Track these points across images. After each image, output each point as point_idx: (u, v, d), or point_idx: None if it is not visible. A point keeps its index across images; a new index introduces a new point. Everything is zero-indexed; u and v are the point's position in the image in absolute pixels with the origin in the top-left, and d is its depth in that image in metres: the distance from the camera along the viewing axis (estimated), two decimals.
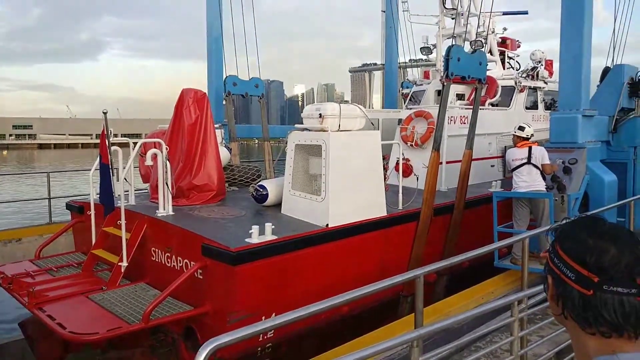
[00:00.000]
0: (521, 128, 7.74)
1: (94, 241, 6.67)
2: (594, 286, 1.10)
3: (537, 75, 11.69)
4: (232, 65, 11.69)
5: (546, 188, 7.50)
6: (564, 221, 1.26)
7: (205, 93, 7.41)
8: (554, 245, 1.20)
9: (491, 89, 10.68)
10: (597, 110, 8.71)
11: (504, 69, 12.40)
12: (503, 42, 12.92)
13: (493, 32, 12.24)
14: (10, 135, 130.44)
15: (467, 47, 11.17)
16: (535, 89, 11.68)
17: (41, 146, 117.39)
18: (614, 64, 10.79)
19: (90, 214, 6.77)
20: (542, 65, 11.93)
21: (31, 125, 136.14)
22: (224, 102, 11.09)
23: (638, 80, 9.78)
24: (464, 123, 8.94)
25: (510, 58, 13.19)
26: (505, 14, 13.68)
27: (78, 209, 7.52)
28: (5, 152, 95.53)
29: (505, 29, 13.21)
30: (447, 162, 8.48)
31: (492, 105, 10.78)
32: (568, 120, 8.27)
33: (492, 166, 9.84)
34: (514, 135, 7.82)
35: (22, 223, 13.13)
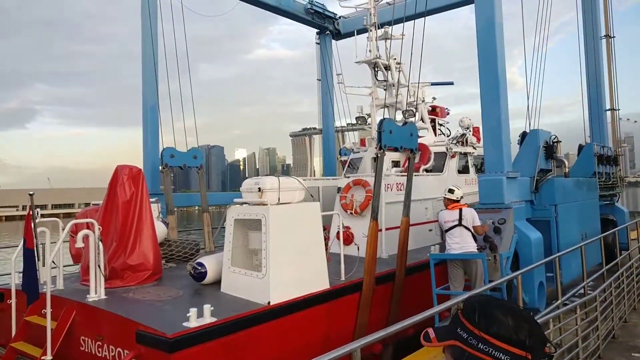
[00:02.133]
0: (451, 191, 8.07)
1: (14, 333, 6.09)
2: None
3: (467, 142, 12.49)
4: (167, 130, 11.58)
5: (478, 248, 7.80)
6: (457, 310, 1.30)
7: (140, 169, 7.27)
8: (471, 332, 1.21)
9: (424, 155, 11.26)
10: (519, 172, 9.35)
11: (435, 135, 13.18)
12: (433, 110, 13.81)
13: (423, 101, 13.10)
14: None
15: (399, 116, 11.85)
16: (465, 154, 12.43)
17: None
18: (531, 127, 11.77)
19: (11, 303, 6.23)
20: (470, 131, 12.78)
21: None
22: (161, 173, 10.87)
23: (552, 143, 10.68)
24: (400, 190, 9.27)
25: (440, 125, 14.06)
26: (433, 84, 14.71)
27: None
28: None
29: (434, 98, 14.16)
30: (387, 229, 8.67)
31: (427, 171, 11.32)
32: (494, 182, 8.80)
33: (430, 230, 10.17)
34: (444, 197, 8.15)
35: None
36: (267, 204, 6.06)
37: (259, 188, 6.18)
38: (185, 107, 11.68)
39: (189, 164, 10.64)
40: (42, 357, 5.43)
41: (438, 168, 11.54)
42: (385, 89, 12.68)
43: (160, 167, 10.61)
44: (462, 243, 7.63)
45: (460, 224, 7.72)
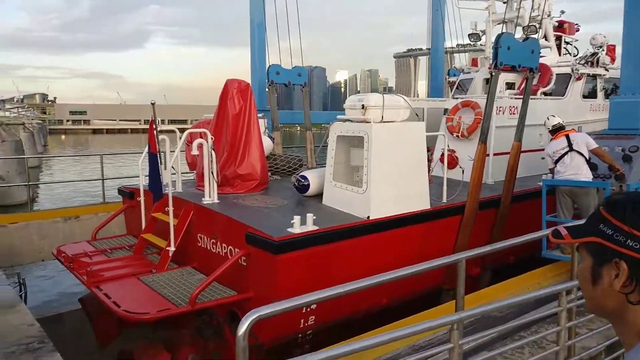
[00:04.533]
0: (545, 123, 7.59)
1: (143, 226, 6.95)
2: None
3: (597, 62, 11.05)
4: (274, 50, 11.78)
5: (601, 177, 7.14)
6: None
7: (248, 84, 7.50)
8: (619, 228, 1.13)
9: (544, 77, 10.24)
10: None
11: (559, 55, 11.84)
12: (560, 26, 12.28)
13: (549, 15, 11.67)
14: (68, 120, 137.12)
15: (519, 33, 10.75)
16: (594, 76, 11.08)
17: (95, 131, 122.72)
18: None
19: (140, 200, 7.05)
20: (603, 50, 11.27)
21: (86, 112, 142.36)
22: (267, 90, 11.22)
23: None
24: (514, 113, 8.64)
25: (567, 43, 12.53)
26: None
27: (129, 194, 7.85)
28: (63, 137, 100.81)
29: (562, 12, 12.56)
30: (495, 154, 8.25)
31: (545, 94, 10.34)
32: (629, 105, 7.82)
33: (543, 158, 9.48)
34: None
35: (80, 202, 13.96)
36: (370, 122, 6.00)
37: (363, 105, 6.11)
38: (289, 26, 11.67)
39: (294, 82, 10.78)
40: (167, 248, 6.19)
41: (559, 91, 10.47)
42: (505, 2, 11.44)
43: (266, 85, 10.89)
44: (575, 170, 7.01)
45: (572, 150, 7.06)
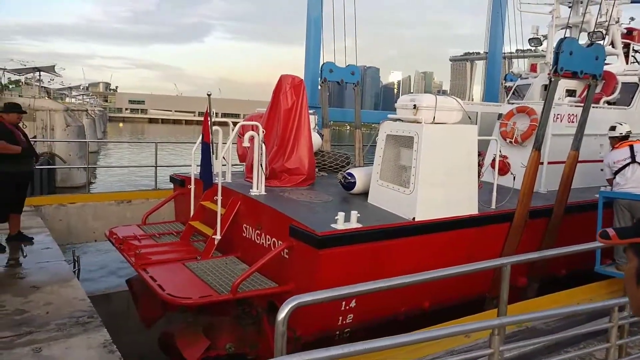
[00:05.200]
0: (612, 127, 7.32)
1: (192, 213, 7.17)
2: None
3: None
4: (329, 49, 11.88)
5: None
6: None
7: (302, 80, 7.57)
8: None
9: (609, 85, 9.76)
10: None
11: (627, 63, 11.24)
12: (629, 33, 11.66)
13: (617, 21, 11.10)
14: (126, 109, 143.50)
15: (583, 39, 10.27)
16: None
17: (151, 120, 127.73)
18: None
19: (191, 188, 7.28)
20: None
21: (144, 101, 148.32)
22: (319, 87, 11.30)
23: None
24: (572, 122, 8.28)
25: (635, 51, 11.87)
26: (633, 1, 12.31)
27: (180, 182, 8.12)
28: (121, 125, 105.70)
29: (632, 19, 11.91)
30: (549, 163, 7.93)
31: (609, 103, 9.85)
32: None
33: (602, 170, 9.04)
34: (609, 138, 7.39)
35: (133, 185, 14.61)
36: (421, 122, 5.93)
37: (415, 105, 6.04)
38: (345, 25, 11.74)
39: (347, 80, 10.78)
40: (213, 236, 6.36)
41: (624, 101, 9.93)
42: (570, 6, 10.97)
43: (319, 82, 10.96)
44: (636, 183, 6.67)
45: (634, 161, 6.74)
